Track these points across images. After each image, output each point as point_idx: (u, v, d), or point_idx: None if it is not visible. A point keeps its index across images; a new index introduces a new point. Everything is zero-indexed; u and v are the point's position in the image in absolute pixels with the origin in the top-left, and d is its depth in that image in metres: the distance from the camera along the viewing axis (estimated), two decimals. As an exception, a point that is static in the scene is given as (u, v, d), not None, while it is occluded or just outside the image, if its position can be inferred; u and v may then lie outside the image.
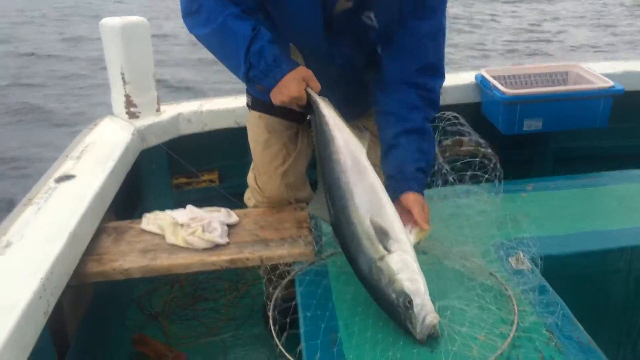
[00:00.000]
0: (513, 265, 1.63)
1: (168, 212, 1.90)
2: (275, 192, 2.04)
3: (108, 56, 2.54)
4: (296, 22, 1.66)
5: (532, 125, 2.67)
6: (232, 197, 2.39)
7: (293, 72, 1.54)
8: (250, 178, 2.14)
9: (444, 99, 2.85)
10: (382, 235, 1.39)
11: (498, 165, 1.99)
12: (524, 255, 1.65)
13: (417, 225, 1.55)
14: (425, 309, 1.30)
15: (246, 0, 1.57)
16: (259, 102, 2.01)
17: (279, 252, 1.73)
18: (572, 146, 3.00)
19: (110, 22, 2.48)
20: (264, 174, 2.05)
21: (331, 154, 1.51)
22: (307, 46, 1.69)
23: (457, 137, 2.65)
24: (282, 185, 2.03)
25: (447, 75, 3.04)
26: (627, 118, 2.90)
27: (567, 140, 2.96)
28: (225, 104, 2.77)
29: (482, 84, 2.88)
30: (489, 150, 2.18)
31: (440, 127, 2.51)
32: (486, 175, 2.07)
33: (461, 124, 2.50)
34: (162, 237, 1.80)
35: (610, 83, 2.65)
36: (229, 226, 1.86)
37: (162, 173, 2.68)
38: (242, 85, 2.18)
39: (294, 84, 1.52)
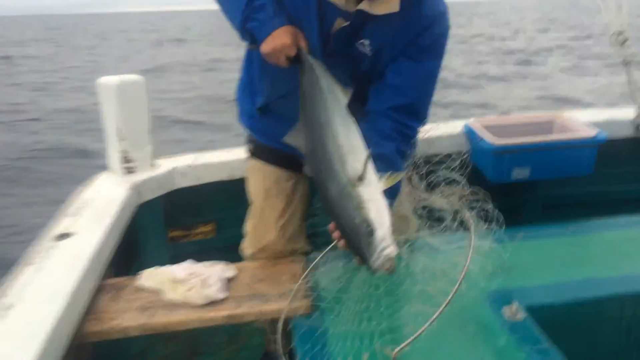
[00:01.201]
0: (507, 315, 1.66)
1: (166, 267, 1.92)
2: (272, 243, 2.07)
3: (104, 113, 2.60)
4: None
5: (521, 174, 2.74)
6: (228, 249, 2.41)
7: (288, 26, 1.63)
8: (248, 226, 2.16)
9: (434, 148, 2.94)
10: (354, 168, 1.45)
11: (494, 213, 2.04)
12: (517, 305, 1.67)
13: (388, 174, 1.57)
14: (385, 241, 1.36)
15: None
16: (261, 149, 2.06)
17: (276, 306, 1.74)
18: (560, 193, 3.06)
19: (107, 80, 2.55)
20: (262, 224, 2.08)
21: (315, 94, 1.60)
22: None
23: (451, 185, 2.72)
24: (280, 236, 2.07)
25: (434, 125, 3.14)
26: (611, 165, 2.98)
27: (555, 188, 3.03)
28: (220, 157, 2.82)
29: (470, 133, 2.95)
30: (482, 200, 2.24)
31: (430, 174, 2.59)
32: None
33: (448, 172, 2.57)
34: (161, 293, 1.82)
35: (594, 132, 2.74)
36: (227, 280, 1.88)
37: (158, 227, 2.70)
38: (237, 139, 2.25)
39: (287, 34, 1.62)
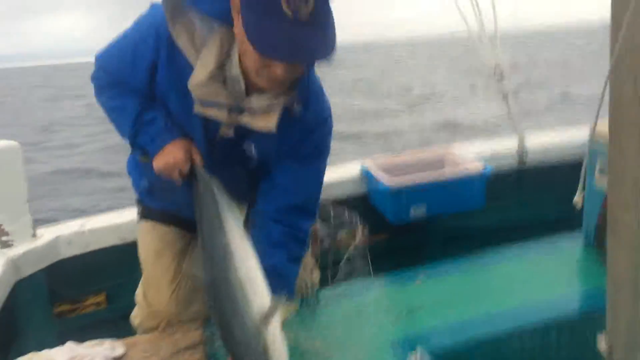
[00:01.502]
0: (413, 362, 1.63)
1: (45, 352, 1.72)
2: (163, 307, 1.94)
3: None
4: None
5: (418, 211, 2.78)
6: (122, 321, 2.23)
7: (181, 140, 1.60)
8: (138, 294, 2.03)
9: (332, 193, 2.93)
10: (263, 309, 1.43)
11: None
12: (421, 351, 1.65)
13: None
14: None
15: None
16: (152, 211, 1.96)
17: (171, 383, 1.61)
18: (458, 228, 3.14)
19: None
20: (153, 287, 1.96)
21: (212, 217, 1.55)
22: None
23: (351, 229, 2.71)
24: (172, 299, 1.94)
25: (333, 168, 3.15)
26: (501, 196, 3.10)
27: (453, 223, 3.09)
28: (109, 220, 2.65)
29: (367, 175, 2.97)
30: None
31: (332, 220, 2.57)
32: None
33: (349, 215, 2.56)
34: (38, 383, 1.63)
35: (481, 166, 2.84)
36: (115, 359, 1.72)
37: (41, 303, 2.46)
38: (126, 201, 2.11)
39: (180, 151, 1.59)
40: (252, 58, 1.38)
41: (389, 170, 2.94)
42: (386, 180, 2.76)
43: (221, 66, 1.47)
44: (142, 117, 1.58)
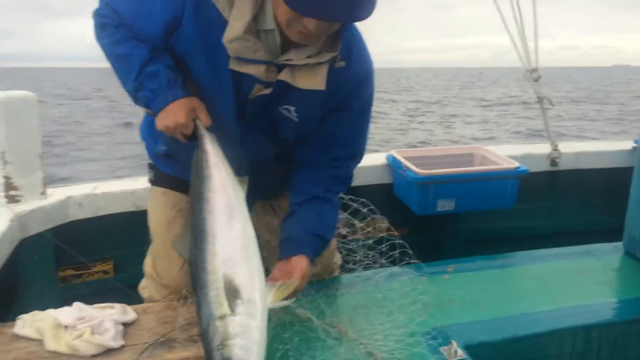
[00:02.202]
0: (446, 355, 1.51)
1: (50, 311, 1.60)
2: (175, 280, 1.82)
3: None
4: (206, 98, 1.55)
5: (445, 205, 2.65)
6: (129, 291, 2.11)
7: (185, 99, 1.49)
8: (147, 264, 1.91)
9: (356, 181, 2.80)
10: (231, 292, 1.29)
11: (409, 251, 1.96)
12: (455, 345, 1.52)
13: (278, 284, 1.45)
14: None
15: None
16: (164, 177, 1.86)
17: (185, 354, 1.48)
18: (481, 228, 3.02)
19: (-11, 96, 2.23)
20: (164, 258, 1.84)
21: (204, 192, 1.45)
22: (217, 125, 1.57)
23: (369, 219, 2.59)
24: (183, 272, 1.82)
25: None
26: (529, 200, 2.97)
27: (477, 222, 2.98)
28: (123, 186, 2.53)
29: (393, 164, 2.85)
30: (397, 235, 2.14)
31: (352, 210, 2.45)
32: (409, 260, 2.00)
33: (372, 210, 2.44)
34: (41, 343, 1.50)
35: (516, 164, 2.72)
36: (125, 325, 1.59)
37: (45, 265, 2.34)
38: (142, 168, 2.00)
39: (182, 111, 1.47)
40: (284, 8, 1.30)
41: (416, 161, 2.82)
42: (414, 169, 2.64)
43: (255, 18, 1.39)
44: (146, 68, 1.46)
